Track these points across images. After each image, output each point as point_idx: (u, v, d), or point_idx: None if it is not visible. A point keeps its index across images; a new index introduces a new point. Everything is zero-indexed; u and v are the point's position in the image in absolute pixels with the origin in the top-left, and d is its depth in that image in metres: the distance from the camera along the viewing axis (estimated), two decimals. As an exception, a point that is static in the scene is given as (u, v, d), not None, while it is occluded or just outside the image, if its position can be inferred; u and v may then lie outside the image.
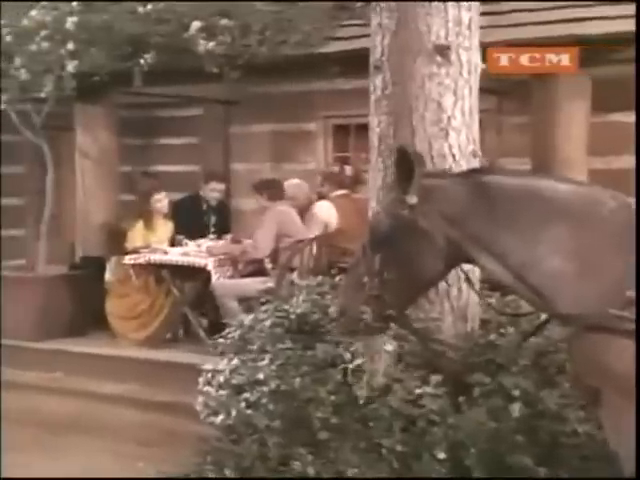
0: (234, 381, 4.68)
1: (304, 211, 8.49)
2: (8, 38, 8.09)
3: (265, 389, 4.59)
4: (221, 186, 9.10)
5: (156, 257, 8.01)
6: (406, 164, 3.75)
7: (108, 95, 9.10)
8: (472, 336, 4.87)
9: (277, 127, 10.85)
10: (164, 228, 8.62)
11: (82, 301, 8.68)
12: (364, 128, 10.04)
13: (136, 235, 8.39)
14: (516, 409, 4.05)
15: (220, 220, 9.17)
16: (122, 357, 7.97)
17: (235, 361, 4.76)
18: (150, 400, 7.43)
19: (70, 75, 7.98)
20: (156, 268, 8.13)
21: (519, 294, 3.68)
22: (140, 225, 8.46)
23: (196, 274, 8.02)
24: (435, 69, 4.92)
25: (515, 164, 7.72)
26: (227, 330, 5.41)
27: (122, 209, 9.59)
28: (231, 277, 7.82)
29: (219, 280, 7.67)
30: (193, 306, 8.12)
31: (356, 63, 7.65)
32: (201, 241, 8.23)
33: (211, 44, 7.35)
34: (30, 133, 8.74)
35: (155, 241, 8.37)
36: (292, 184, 8.47)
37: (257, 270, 7.93)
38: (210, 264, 7.65)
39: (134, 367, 7.82)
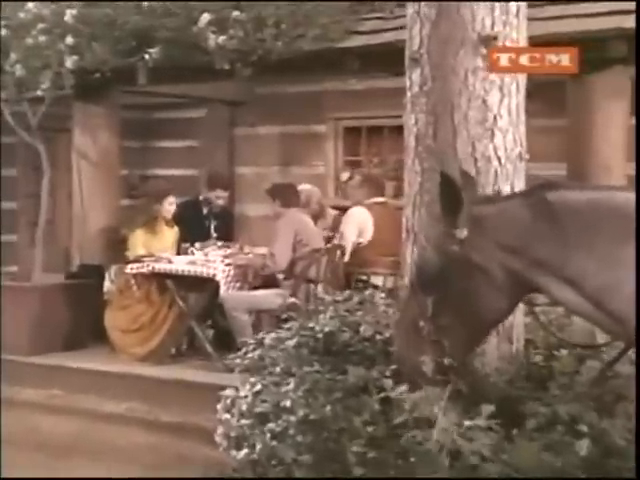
0: (257, 409, 4.23)
1: (316, 218, 8.09)
2: (3, 32, 7.66)
3: (292, 418, 4.15)
4: (225, 194, 8.68)
5: (161, 266, 7.56)
6: (451, 193, 3.38)
7: (109, 93, 8.66)
8: (518, 358, 4.46)
9: (285, 129, 10.52)
10: (168, 235, 8.20)
11: (80, 312, 8.25)
12: (376, 131, 9.92)
13: (138, 242, 7.96)
14: (584, 446, 3.61)
15: (222, 226, 8.76)
16: (124, 374, 7.54)
17: (258, 386, 4.31)
18: (155, 420, 7.04)
19: (69, 71, 7.55)
20: (159, 278, 7.69)
21: (596, 322, 3.28)
22: (143, 231, 8.02)
23: (203, 285, 7.59)
24: (480, 62, 4.53)
25: (542, 170, 7.33)
26: (243, 348, 4.97)
27: (122, 214, 9.16)
28: (240, 288, 7.37)
29: (229, 292, 7.23)
30: (199, 319, 7.67)
31: (379, 59, 7.32)
32: (208, 249, 7.79)
33: (222, 38, 6.92)
34: (26, 134, 8.29)
35: (159, 249, 7.94)
36: (304, 190, 8.05)
37: (267, 281, 7.50)
38: (219, 274, 7.21)
39: (137, 384, 7.40)
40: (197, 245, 7.79)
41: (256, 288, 7.40)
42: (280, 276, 7.43)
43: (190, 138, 11.28)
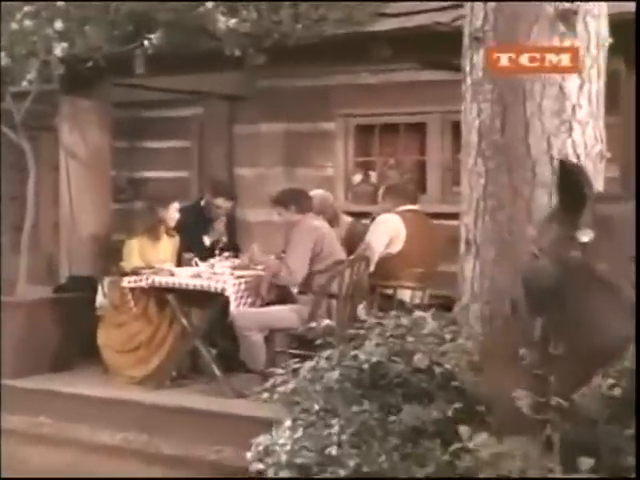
0: (298, 460, 3.55)
1: (330, 225, 7.40)
2: (-16, 17, 6.93)
3: (342, 472, 3.48)
4: (229, 204, 7.97)
5: (162, 280, 6.85)
6: (574, 185, 2.79)
7: (102, 86, 7.96)
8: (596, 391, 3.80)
9: (289, 127, 9.80)
10: (168, 244, 7.50)
11: (70, 330, 7.51)
12: (391, 129, 9.19)
13: (135, 252, 7.26)
14: None
15: (226, 235, 8.08)
16: (119, 399, 6.82)
17: (299, 432, 3.62)
18: (155, 453, 6.35)
19: (58, 60, 6.83)
20: (159, 292, 6.98)
21: None
22: (141, 240, 7.33)
23: (209, 300, 6.88)
24: (557, 41, 3.90)
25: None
26: (270, 380, 4.29)
27: (116, 220, 8.48)
28: (252, 304, 6.67)
29: (241, 308, 6.53)
30: (204, 338, 6.96)
31: (411, 45, 6.67)
32: (213, 261, 7.09)
33: (233, 21, 6.21)
34: (10, 131, 7.57)
35: (159, 260, 7.24)
36: (318, 195, 7.39)
37: (281, 295, 6.81)
38: (229, 289, 6.51)
39: (134, 412, 6.70)
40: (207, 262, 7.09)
41: (269, 304, 6.69)
42: (294, 290, 6.74)
43: (182, 138, 10.58)
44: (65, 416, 6.77)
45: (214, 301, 6.80)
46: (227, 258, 7.23)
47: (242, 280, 6.66)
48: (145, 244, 7.33)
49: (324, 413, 3.89)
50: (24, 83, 6.96)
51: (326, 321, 4.55)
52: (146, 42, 6.54)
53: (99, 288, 7.50)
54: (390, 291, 6.82)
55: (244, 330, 6.45)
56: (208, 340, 6.98)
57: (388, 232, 6.91)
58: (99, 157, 8.38)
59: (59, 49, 6.71)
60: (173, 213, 7.36)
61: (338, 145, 9.53)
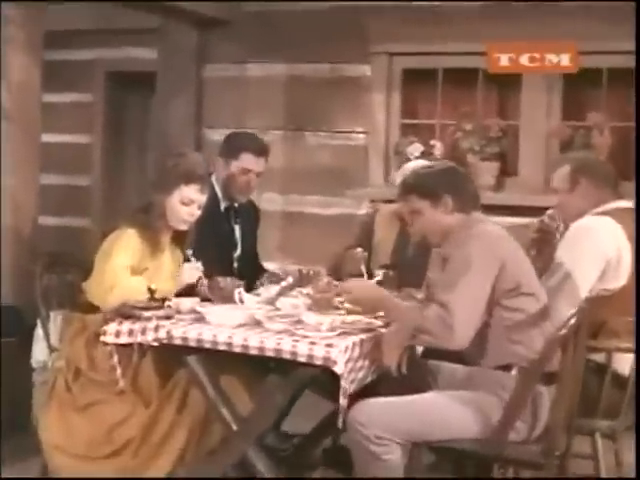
0: None
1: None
2: None
3: None
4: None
5: (189, 333, 3.63)
6: None
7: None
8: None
9: (295, 70, 6.89)
10: (173, 259, 4.31)
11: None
12: (459, 76, 6.20)
13: (126, 263, 3.99)
14: None
15: (249, 237, 4.98)
16: None
17: None
18: None
19: None
20: (169, 350, 3.77)
21: None
22: (134, 247, 4.07)
23: (264, 367, 3.76)
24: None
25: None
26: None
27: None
28: (376, 392, 3.54)
29: (365, 401, 3.41)
30: (260, 443, 3.79)
31: None
32: (274, 290, 3.95)
33: None
34: None
35: (168, 289, 4.04)
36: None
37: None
38: (340, 359, 3.35)
39: None
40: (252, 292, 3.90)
41: (405, 388, 3.57)
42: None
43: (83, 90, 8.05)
44: None
45: (284, 372, 3.65)
46: (290, 286, 4.06)
47: (355, 338, 3.53)
48: (143, 252, 4.10)
49: None
50: None
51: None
52: None
53: (39, 331, 4.23)
54: (599, 357, 3.86)
55: (371, 442, 3.31)
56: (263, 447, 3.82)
57: (603, 253, 3.93)
58: (26, 110, 5.14)
59: None
60: (192, 208, 4.19)
61: (375, 99, 6.62)
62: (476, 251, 3.44)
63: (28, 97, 5.23)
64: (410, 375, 3.62)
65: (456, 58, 6.33)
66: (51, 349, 4.18)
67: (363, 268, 4.50)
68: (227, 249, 4.83)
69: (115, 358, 3.83)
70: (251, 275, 4.63)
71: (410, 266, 4.74)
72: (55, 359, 4.13)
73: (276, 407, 3.74)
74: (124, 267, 3.97)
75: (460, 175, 3.77)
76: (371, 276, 4.43)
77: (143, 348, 3.86)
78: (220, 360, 3.79)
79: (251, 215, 5.05)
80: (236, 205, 4.88)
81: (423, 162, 4.78)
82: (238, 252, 4.88)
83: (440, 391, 3.56)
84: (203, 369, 3.77)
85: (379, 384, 3.70)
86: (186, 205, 4.18)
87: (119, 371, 3.85)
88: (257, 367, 3.87)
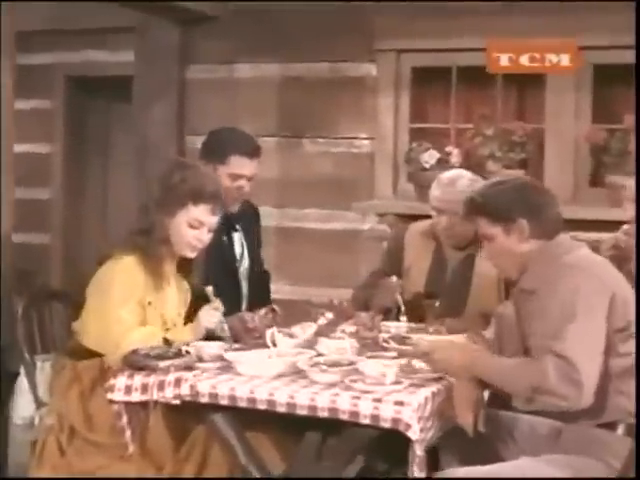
0: None
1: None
2: None
3: None
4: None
5: (219, 389, 2.97)
6: None
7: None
8: None
9: (291, 69, 6.31)
10: (178, 295, 3.66)
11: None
12: (475, 75, 5.68)
13: (131, 315, 3.33)
14: None
15: (253, 245, 4.36)
16: None
17: None
18: None
19: None
20: (189, 407, 3.12)
21: None
22: (135, 279, 3.41)
23: (304, 425, 3.12)
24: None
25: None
26: None
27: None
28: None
29: (446, 473, 2.78)
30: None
31: None
32: (305, 330, 3.33)
33: None
34: None
35: (184, 339, 3.40)
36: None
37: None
38: (414, 422, 2.69)
39: None
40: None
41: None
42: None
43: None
44: None
45: (335, 434, 3.01)
46: (328, 324, 3.42)
47: (427, 392, 2.90)
48: (143, 285, 3.44)
49: None
50: None
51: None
52: None
53: (22, 380, 3.57)
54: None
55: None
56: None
57: None
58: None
59: None
60: (204, 233, 3.55)
61: (382, 101, 6.03)
62: (581, 284, 2.83)
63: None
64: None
65: (472, 55, 5.74)
66: (38, 403, 3.51)
67: (400, 299, 3.92)
68: (229, 265, 4.18)
69: (124, 419, 3.16)
70: (263, 295, 4.04)
71: (449, 293, 4.16)
72: (44, 415, 3.46)
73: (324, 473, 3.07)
74: (129, 312, 3.33)
75: (539, 194, 3.15)
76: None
77: (155, 404, 3.21)
78: (244, 412, 3.14)
79: (251, 218, 4.43)
80: (230, 212, 4.18)
81: (467, 173, 4.19)
82: (245, 266, 4.24)
83: (532, 457, 2.92)
84: (232, 429, 3.11)
85: (444, 441, 3.08)
86: (194, 228, 3.54)
87: (129, 433, 3.18)
88: (286, 420, 3.22)
